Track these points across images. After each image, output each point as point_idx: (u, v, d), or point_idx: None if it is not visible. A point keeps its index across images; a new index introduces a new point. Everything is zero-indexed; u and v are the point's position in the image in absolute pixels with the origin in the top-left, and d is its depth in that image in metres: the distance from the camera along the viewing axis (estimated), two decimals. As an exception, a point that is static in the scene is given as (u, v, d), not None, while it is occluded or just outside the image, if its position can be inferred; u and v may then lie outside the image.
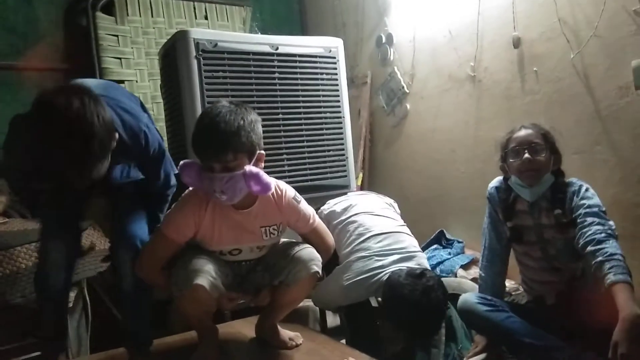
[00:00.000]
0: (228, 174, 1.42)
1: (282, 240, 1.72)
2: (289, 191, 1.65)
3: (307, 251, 1.61)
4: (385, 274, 1.86)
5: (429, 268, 1.99)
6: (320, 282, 2.04)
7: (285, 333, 1.75)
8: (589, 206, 1.63)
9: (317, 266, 1.58)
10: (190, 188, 1.58)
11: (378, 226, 2.05)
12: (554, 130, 1.84)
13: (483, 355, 1.85)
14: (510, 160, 1.77)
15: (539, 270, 1.82)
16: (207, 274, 1.45)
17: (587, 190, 1.69)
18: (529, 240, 1.80)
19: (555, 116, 2.11)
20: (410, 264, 1.92)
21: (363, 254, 1.95)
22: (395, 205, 2.33)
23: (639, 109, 1.87)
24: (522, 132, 1.76)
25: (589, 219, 1.60)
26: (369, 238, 2.00)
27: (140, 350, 1.66)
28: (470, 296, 1.82)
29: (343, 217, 2.10)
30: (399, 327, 1.85)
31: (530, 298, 1.91)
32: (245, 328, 1.89)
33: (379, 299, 1.89)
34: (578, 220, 1.62)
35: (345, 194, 2.54)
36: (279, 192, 1.61)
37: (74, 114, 1.18)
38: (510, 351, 1.79)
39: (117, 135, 1.33)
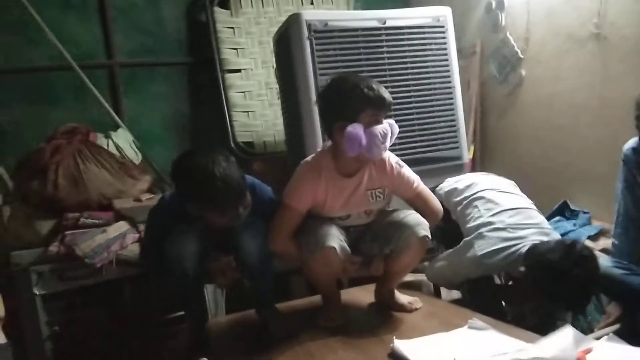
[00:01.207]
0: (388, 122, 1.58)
1: (388, 210, 1.76)
2: (392, 157, 1.71)
3: (414, 216, 1.64)
4: (524, 245, 1.74)
5: None
6: (436, 257, 2.04)
7: (404, 297, 1.79)
8: None
9: (425, 230, 1.60)
10: (304, 161, 1.70)
11: (508, 202, 1.95)
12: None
13: (616, 327, 1.75)
14: None
15: None
16: (336, 237, 1.56)
17: None
18: None
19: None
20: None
21: (497, 225, 1.85)
22: (517, 187, 2.19)
23: None
24: None
25: None
26: (499, 212, 1.90)
27: (267, 315, 1.77)
28: (604, 260, 1.73)
29: (467, 194, 2.02)
30: (546, 297, 1.69)
31: None
32: (363, 294, 1.96)
33: (521, 268, 1.74)
34: None
35: (459, 165, 2.51)
36: (383, 157, 1.68)
37: (216, 168, 1.46)
38: None
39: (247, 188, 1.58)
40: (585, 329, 1.84)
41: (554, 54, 2.55)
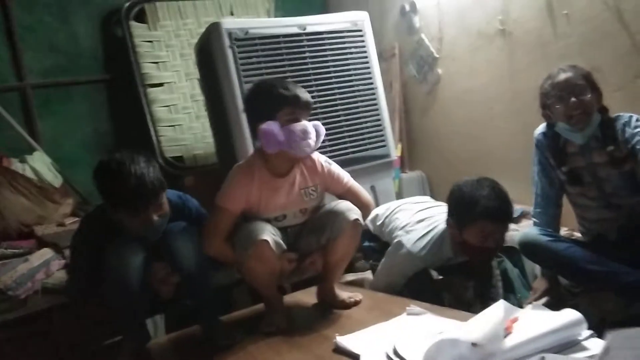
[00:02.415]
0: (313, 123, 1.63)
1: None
2: (320, 157, 1.78)
3: (344, 204, 1.69)
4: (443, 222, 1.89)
5: None
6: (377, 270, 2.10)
7: (345, 293, 1.81)
8: None
9: (355, 214, 1.65)
10: (236, 165, 1.71)
11: (422, 206, 2.14)
12: (594, 70, 1.81)
13: (543, 300, 1.87)
14: (556, 106, 1.74)
15: (596, 208, 1.81)
16: (268, 231, 1.57)
17: (637, 120, 1.68)
18: (585, 181, 1.80)
19: (592, 56, 2.08)
20: None
21: (417, 219, 2.01)
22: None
23: (679, 36, 1.84)
24: (563, 76, 1.73)
25: None
26: (417, 212, 2.07)
27: (211, 326, 1.72)
28: (531, 229, 1.86)
29: (387, 213, 2.17)
30: (471, 212, 1.76)
31: (589, 239, 1.89)
32: (306, 297, 1.97)
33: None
34: (637, 147, 1.61)
35: (388, 163, 2.62)
36: (313, 157, 1.74)
37: (133, 165, 1.48)
38: (573, 280, 1.81)
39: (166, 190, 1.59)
40: (516, 306, 1.95)
41: (466, 51, 2.71)
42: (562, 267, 1.77)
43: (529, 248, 1.84)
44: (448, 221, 1.87)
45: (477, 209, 1.74)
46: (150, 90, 2.90)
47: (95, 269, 1.55)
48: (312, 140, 1.61)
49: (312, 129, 1.61)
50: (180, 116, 2.96)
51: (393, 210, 2.16)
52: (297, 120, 1.60)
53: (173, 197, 1.67)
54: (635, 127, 1.65)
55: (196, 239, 1.63)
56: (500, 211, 1.77)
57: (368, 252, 2.22)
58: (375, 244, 2.21)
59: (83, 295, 1.68)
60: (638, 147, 1.61)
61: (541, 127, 1.91)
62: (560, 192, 1.91)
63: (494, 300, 1.96)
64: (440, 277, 2.08)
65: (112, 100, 3.04)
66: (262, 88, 1.65)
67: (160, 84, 2.94)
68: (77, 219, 2.23)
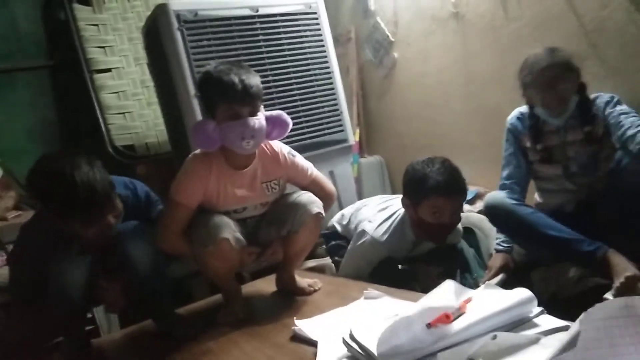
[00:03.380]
0: (256, 117, 1.50)
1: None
2: (284, 148, 1.71)
3: (306, 196, 1.65)
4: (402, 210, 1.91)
5: None
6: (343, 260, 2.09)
7: (304, 280, 1.80)
8: (626, 111, 1.67)
9: (317, 207, 1.62)
10: (192, 154, 1.62)
11: (385, 198, 2.15)
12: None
13: (498, 278, 1.90)
14: (536, 95, 1.76)
15: (557, 180, 1.86)
16: (228, 228, 1.51)
17: (618, 100, 1.73)
18: (554, 159, 1.83)
19: (542, 39, 2.10)
20: None
21: (377, 209, 2.02)
22: None
23: (622, 18, 1.88)
24: (544, 64, 1.71)
25: (633, 116, 1.64)
26: (379, 204, 2.08)
27: (166, 320, 1.67)
28: (498, 192, 1.87)
29: (352, 211, 2.16)
30: (422, 188, 1.77)
31: (548, 212, 1.92)
32: (265, 285, 1.95)
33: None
34: (620, 120, 1.65)
35: (346, 148, 2.61)
36: (276, 149, 1.68)
37: (77, 173, 1.33)
38: (532, 247, 1.84)
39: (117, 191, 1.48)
40: (473, 286, 1.98)
41: (421, 35, 2.71)
42: (524, 232, 1.77)
43: (493, 210, 1.84)
44: (403, 201, 1.88)
45: (428, 185, 1.76)
46: (97, 76, 2.76)
47: (39, 280, 1.43)
48: (254, 140, 1.52)
49: (259, 125, 1.51)
50: (130, 103, 2.84)
51: (358, 208, 2.15)
52: (238, 116, 1.48)
53: (120, 189, 1.56)
54: (616, 104, 1.70)
55: (149, 237, 1.55)
56: (451, 185, 1.78)
57: (333, 250, 2.19)
58: (342, 241, 2.18)
59: (28, 303, 1.58)
60: (620, 120, 1.64)
61: (515, 112, 1.93)
62: (527, 175, 1.93)
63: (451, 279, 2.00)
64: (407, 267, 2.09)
65: (57, 87, 2.89)
66: (201, 81, 1.55)
67: (108, 70, 2.80)
68: (20, 212, 2.12)
